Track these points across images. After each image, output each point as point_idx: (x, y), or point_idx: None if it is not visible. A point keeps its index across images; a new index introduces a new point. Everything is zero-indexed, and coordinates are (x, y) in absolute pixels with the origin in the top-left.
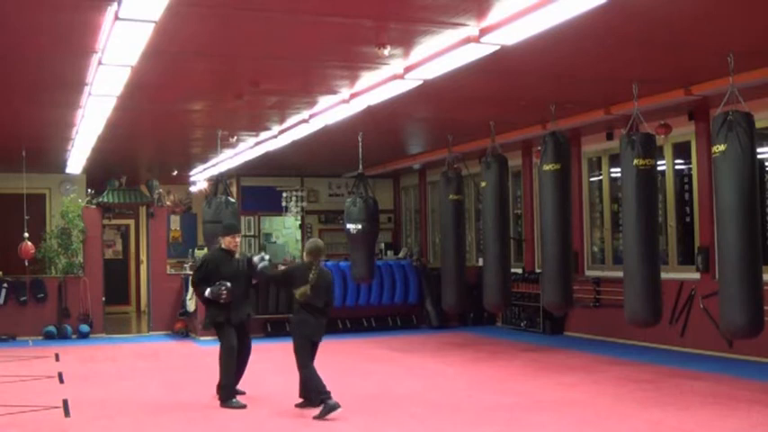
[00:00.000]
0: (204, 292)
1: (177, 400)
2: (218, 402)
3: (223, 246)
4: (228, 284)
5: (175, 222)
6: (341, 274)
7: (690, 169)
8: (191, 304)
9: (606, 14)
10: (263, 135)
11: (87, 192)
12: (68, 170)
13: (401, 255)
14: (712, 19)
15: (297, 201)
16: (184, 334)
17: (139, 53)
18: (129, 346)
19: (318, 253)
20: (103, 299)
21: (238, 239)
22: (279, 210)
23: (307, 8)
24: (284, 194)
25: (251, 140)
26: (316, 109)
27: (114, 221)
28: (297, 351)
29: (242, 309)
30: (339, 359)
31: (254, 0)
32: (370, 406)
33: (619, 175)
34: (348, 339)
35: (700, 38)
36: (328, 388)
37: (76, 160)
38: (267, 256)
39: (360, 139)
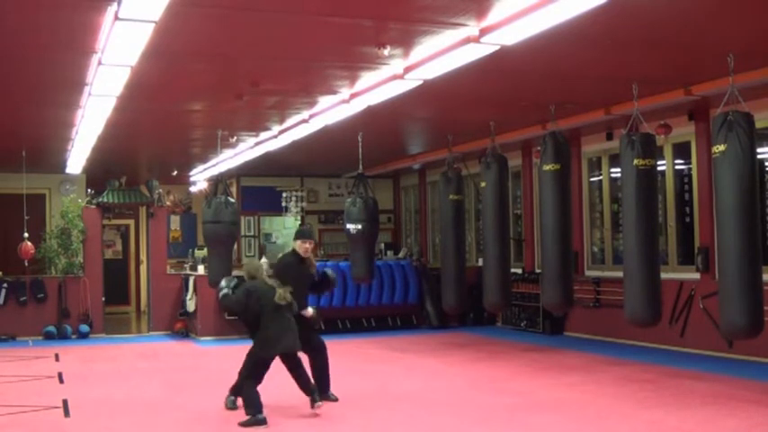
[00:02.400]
0: None
1: (177, 400)
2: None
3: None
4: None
5: (175, 222)
6: (341, 274)
7: (690, 169)
8: (191, 304)
9: (606, 14)
10: (263, 135)
11: (87, 192)
12: (68, 170)
13: (401, 255)
14: (712, 19)
15: (297, 201)
16: (184, 334)
17: (139, 53)
18: (129, 346)
19: (257, 271)
20: (103, 299)
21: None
22: (279, 210)
23: (307, 8)
24: (284, 194)
25: (251, 140)
26: (316, 109)
27: (114, 221)
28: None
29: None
30: (339, 359)
31: (254, 0)
32: (369, 406)
33: (619, 175)
34: (348, 339)
35: (700, 38)
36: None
37: (76, 160)
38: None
39: (360, 139)
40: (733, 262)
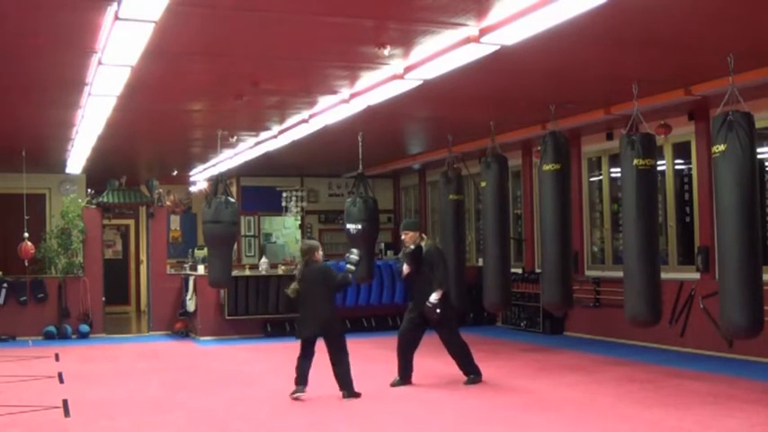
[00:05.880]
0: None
1: (177, 400)
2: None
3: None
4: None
5: (175, 222)
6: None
7: (690, 169)
8: (191, 304)
9: (606, 14)
10: (263, 135)
11: (87, 192)
12: (68, 170)
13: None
14: (712, 19)
15: (297, 201)
16: (184, 334)
17: (139, 53)
18: (129, 346)
19: (307, 252)
20: (103, 299)
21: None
22: (279, 210)
23: (307, 8)
24: (284, 194)
25: (251, 140)
26: (316, 109)
27: (114, 221)
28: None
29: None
30: None
31: (254, 0)
32: (369, 406)
33: (619, 175)
34: (348, 339)
35: (700, 38)
36: (328, 387)
37: (76, 160)
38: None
39: (360, 139)
40: (733, 262)
